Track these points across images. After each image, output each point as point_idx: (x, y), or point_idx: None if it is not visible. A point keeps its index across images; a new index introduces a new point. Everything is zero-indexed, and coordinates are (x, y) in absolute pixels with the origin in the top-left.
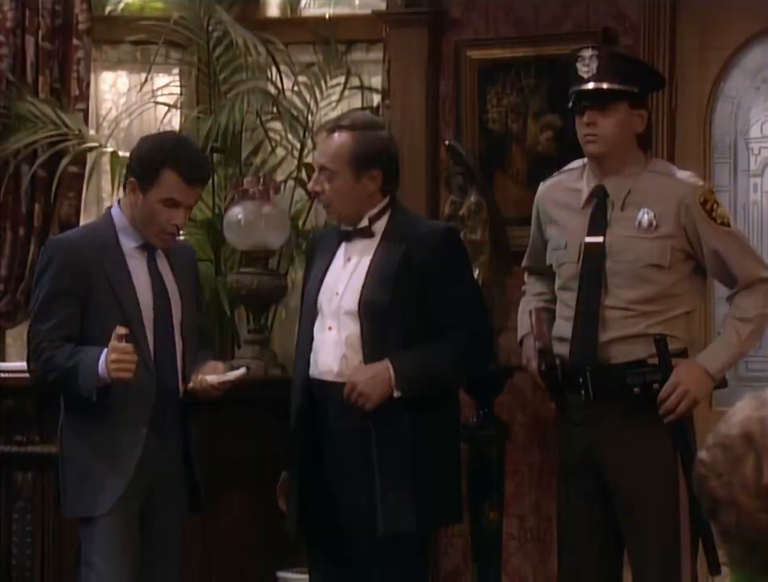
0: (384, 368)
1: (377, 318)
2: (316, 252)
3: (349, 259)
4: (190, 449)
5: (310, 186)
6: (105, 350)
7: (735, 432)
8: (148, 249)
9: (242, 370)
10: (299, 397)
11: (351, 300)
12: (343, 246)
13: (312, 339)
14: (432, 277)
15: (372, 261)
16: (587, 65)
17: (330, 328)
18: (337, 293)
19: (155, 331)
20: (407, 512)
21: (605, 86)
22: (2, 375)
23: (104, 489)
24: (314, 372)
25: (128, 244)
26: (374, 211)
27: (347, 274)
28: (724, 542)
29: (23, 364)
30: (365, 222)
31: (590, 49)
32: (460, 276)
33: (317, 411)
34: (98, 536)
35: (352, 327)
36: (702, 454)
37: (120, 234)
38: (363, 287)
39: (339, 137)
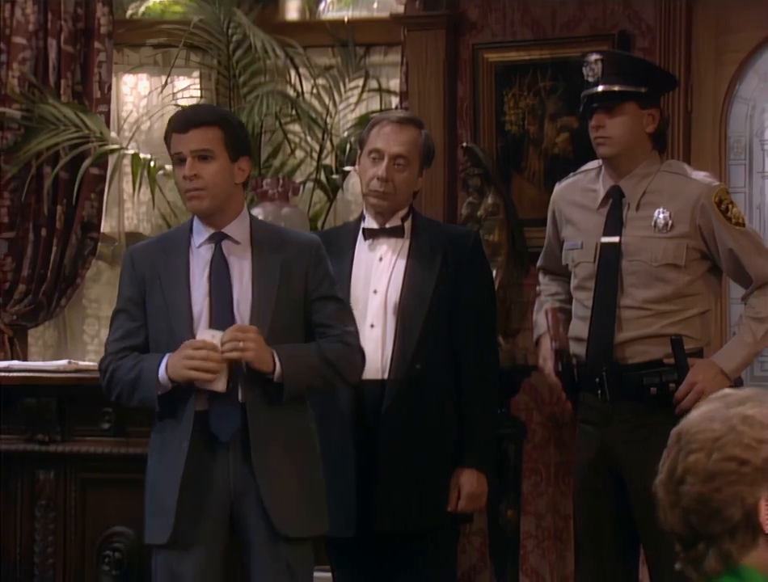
0: None
1: (417, 319)
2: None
3: (381, 259)
4: (252, 462)
5: (380, 173)
6: (167, 355)
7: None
8: (215, 239)
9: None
10: (351, 400)
11: (395, 298)
12: (365, 244)
13: None
14: (462, 281)
15: (409, 263)
16: (592, 69)
17: (372, 326)
18: (375, 291)
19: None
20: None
21: (611, 88)
22: (24, 374)
23: (161, 514)
24: None
25: (198, 239)
26: (405, 211)
27: (384, 273)
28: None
29: (44, 364)
30: (396, 221)
31: (595, 54)
32: (483, 287)
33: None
34: (156, 569)
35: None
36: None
37: (194, 229)
38: (403, 287)
39: (411, 131)
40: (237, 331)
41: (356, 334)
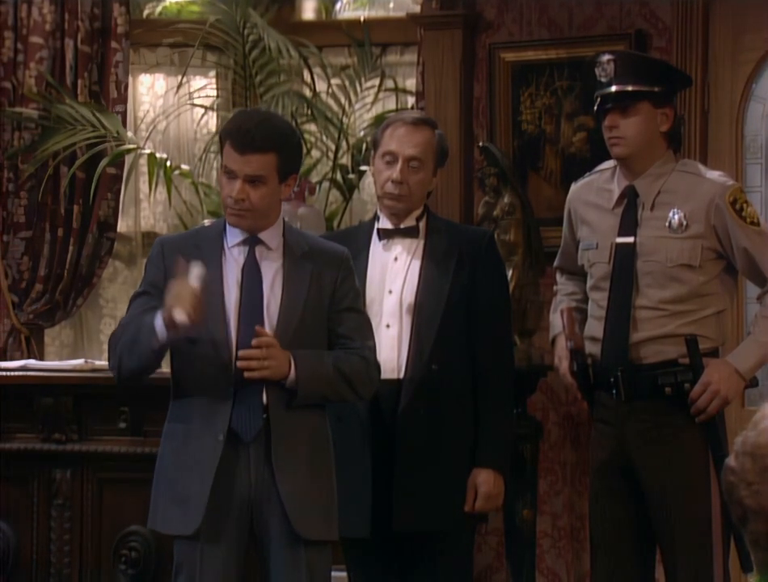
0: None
1: (432, 319)
2: None
3: (396, 259)
4: (273, 464)
5: (394, 176)
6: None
7: (764, 440)
8: (249, 243)
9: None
10: (368, 400)
11: (410, 298)
12: (380, 245)
13: None
14: (478, 281)
15: (424, 263)
16: (605, 69)
17: (388, 326)
18: (390, 291)
19: (239, 331)
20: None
21: (624, 88)
22: (41, 374)
23: (189, 505)
24: None
25: (231, 240)
26: (420, 211)
27: (399, 273)
28: (754, 549)
29: (61, 363)
30: (411, 221)
31: (607, 54)
32: (499, 286)
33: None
34: (182, 559)
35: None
36: (731, 462)
37: (228, 230)
38: (419, 287)
39: (425, 132)
40: (257, 347)
41: (374, 348)
